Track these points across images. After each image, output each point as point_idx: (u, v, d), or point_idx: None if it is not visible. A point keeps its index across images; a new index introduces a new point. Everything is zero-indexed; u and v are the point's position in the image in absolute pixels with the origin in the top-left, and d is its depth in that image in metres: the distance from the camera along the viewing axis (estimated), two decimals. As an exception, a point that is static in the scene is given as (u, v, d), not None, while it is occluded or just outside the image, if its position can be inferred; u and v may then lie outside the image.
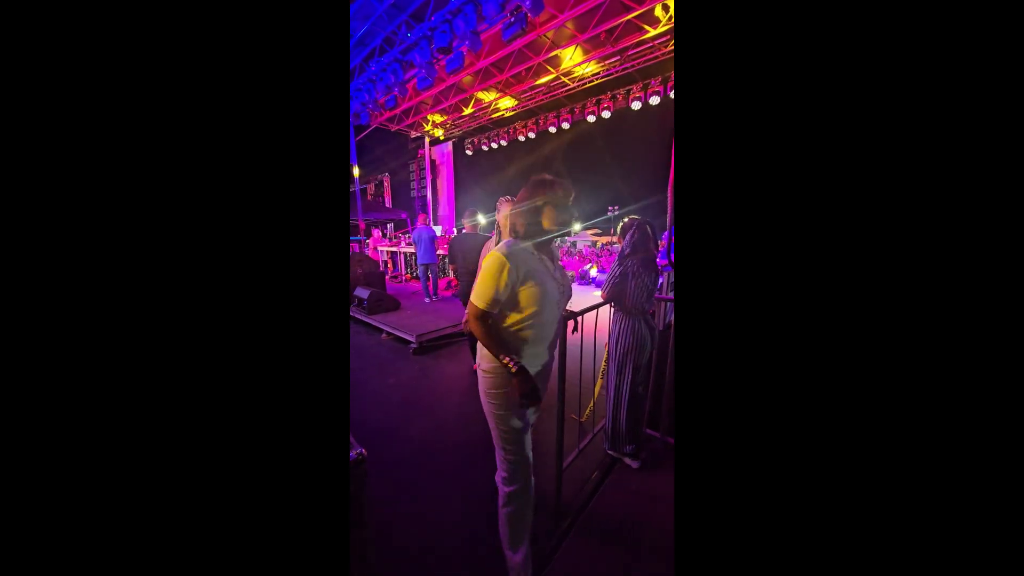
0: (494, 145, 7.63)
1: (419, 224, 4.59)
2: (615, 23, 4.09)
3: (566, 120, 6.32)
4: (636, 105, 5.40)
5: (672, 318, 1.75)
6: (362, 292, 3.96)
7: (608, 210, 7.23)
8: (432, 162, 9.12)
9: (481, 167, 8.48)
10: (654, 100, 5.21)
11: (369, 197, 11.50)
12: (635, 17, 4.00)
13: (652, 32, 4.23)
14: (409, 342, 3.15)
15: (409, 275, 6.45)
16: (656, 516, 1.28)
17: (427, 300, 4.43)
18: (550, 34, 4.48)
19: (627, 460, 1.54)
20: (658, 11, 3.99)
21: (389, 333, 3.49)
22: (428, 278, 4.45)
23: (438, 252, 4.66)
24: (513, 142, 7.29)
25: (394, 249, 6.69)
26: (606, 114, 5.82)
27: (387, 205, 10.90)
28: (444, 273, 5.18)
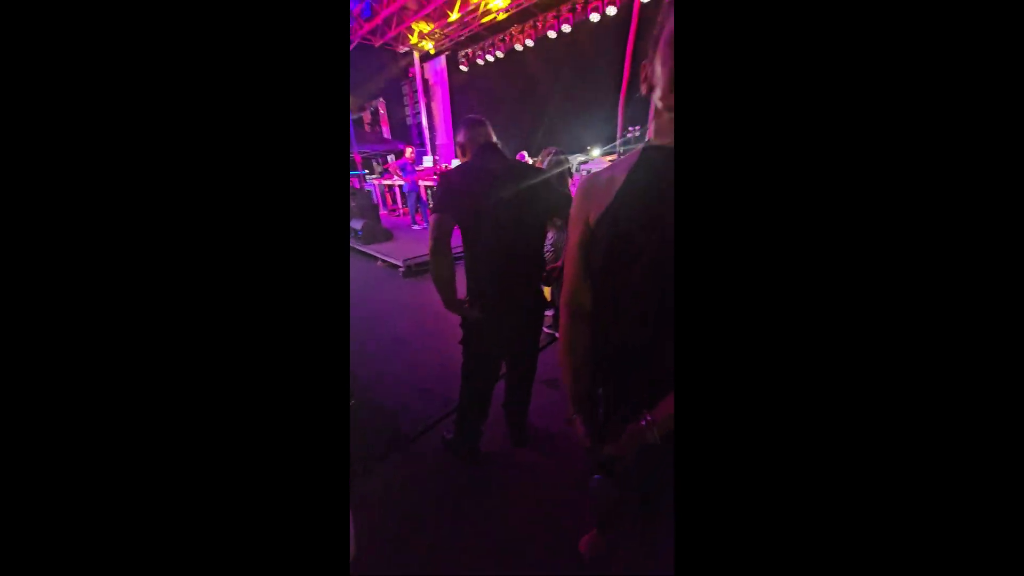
0: (490, 58, 6.89)
1: (404, 158, 4.89)
2: None
3: (567, 20, 5.53)
4: (645, -5, 4.62)
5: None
6: (356, 223, 4.16)
7: (629, 131, 6.55)
8: (425, 82, 8.43)
9: (479, 86, 7.79)
10: (666, -14, 4.43)
11: (366, 127, 10.99)
12: None
13: None
14: (398, 266, 3.44)
15: (406, 208, 6.55)
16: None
17: (415, 227, 4.79)
18: (538, -98, 3.72)
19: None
20: None
21: (384, 260, 3.78)
22: (416, 208, 4.78)
23: (419, 183, 4.87)
24: (511, 53, 6.55)
25: (390, 183, 6.69)
26: (611, 10, 5.03)
27: (386, 136, 10.45)
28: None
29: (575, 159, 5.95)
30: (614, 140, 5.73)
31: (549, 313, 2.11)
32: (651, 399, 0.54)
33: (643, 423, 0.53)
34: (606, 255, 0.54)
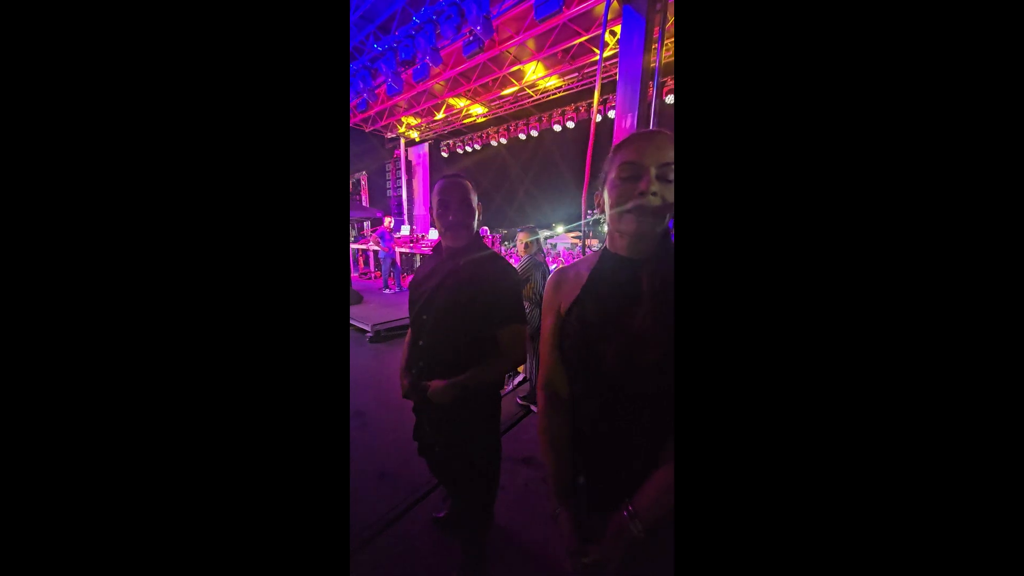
0: (468, 148, 7.93)
1: (383, 227, 5.47)
2: (569, 44, 4.48)
3: (535, 128, 6.68)
4: (598, 118, 5.81)
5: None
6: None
7: (589, 213, 7.41)
8: (408, 163, 9.32)
9: (457, 168, 8.74)
10: (612, 114, 5.65)
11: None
12: (586, 40, 4.40)
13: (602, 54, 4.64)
14: (365, 331, 3.41)
15: (379, 272, 6.68)
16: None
17: (386, 291, 5.02)
18: (512, 50, 4.82)
19: (533, 408, 2.00)
20: (608, 36, 4.40)
21: (352, 325, 3.73)
22: (390, 273, 5.07)
23: (396, 249, 5.48)
24: (487, 146, 7.61)
25: (364, 247, 6.91)
26: (571, 124, 6.22)
27: (364, 204, 10.97)
28: (404, 269, 5.77)
29: (543, 233, 6.77)
30: (576, 220, 6.58)
31: (517, 379, 2.25)
32: (631, 487, 0.53)
33: (624, 513, 0.52)
34: (578, 343, 0.58)
